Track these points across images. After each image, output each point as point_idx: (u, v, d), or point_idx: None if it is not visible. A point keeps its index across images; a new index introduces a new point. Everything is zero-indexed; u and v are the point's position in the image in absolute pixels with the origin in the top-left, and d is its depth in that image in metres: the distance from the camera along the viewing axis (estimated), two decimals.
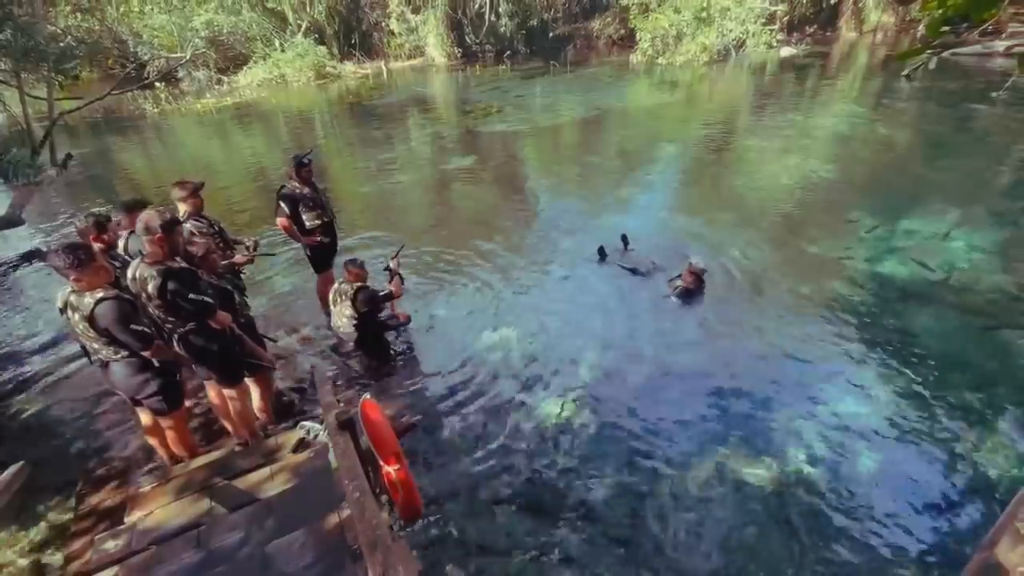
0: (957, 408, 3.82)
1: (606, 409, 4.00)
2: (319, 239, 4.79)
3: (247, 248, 3.99)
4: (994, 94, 11.51)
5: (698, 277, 5.22)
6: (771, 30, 19.66)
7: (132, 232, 3.37)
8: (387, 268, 4.63)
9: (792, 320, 4.91)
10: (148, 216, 2.71)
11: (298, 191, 4.58)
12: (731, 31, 19.13)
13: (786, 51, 19.45)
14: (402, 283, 4.64)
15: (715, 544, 3.00)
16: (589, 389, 4.20)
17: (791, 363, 4.38)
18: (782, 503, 3.22)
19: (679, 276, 5.32)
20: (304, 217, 4.65)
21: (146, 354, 2.83)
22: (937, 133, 10.02)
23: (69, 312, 2.73)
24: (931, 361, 4.28)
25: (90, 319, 2.64)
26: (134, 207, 3.41)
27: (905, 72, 13.09)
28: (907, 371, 4.19)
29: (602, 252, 5.98)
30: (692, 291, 5.20)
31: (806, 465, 3.46)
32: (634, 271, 5.67)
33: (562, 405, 4.04)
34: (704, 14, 18.90)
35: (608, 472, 3.48)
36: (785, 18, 21.05)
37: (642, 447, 3.66)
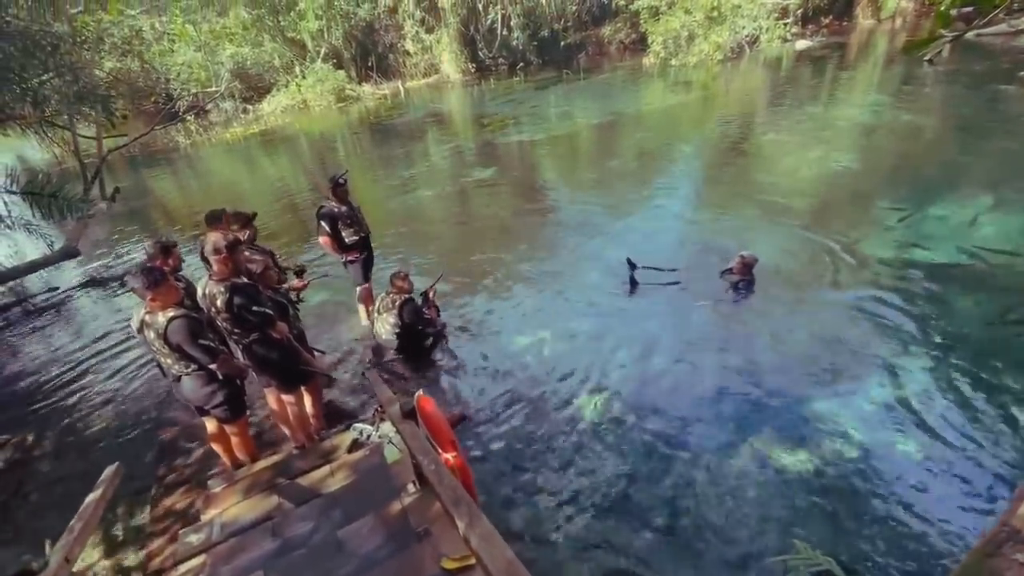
0: (997, 392, 3.80)
1: (640, 403, 4.11)
2: (358, 254, 5.07)
3: (295, 273, 4.28)
4: (1022, 73, 11.24)
5: (749, 267, 5.31)
6: (784, 24, 19.53)
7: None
8: (424, 294, 4.92)
9: (823, 310, 4.94)
10: (214, 238, 3.00)
11: (336, 209, 4.86)
12: (743, 28, 19.07)
13: (801, 44, 19.26)
14: (438, 314, 4.98)
15: (755, 528, 3.07)
16: (623, 385, 4.32)
17: (825, 352, 4.41)
18: (822, 489, 3.26)
19: (729, 269, 5.42)
20: (343, 233, 4.93)
21: (213, 366, 3.10)
22: (964, 116, 9.84)
23: (145, 331, 3.01)
24: (968, 346, 4.26)
25: (164, 336, 2.91)
26: (215, 220, 3.81)
27: (927, 57, 12.87)
28: (944, 357, 4.18)
29: (633, 282, 5.72)
30: (749, 281, 5.32)
31: (844, 451, 3.50)
32: (676, 283, 5.61)
33: (597, 401, 4.17)
34: (715, 13, 18.91)
35: (646, 462, 3.59)
36: (799, 11, 20.86)
37: (679, 438, 3.76)
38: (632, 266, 5.74)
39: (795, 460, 3.46)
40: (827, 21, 22.25)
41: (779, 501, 3.22)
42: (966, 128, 9.15)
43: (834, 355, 4.37)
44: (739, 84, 16.43)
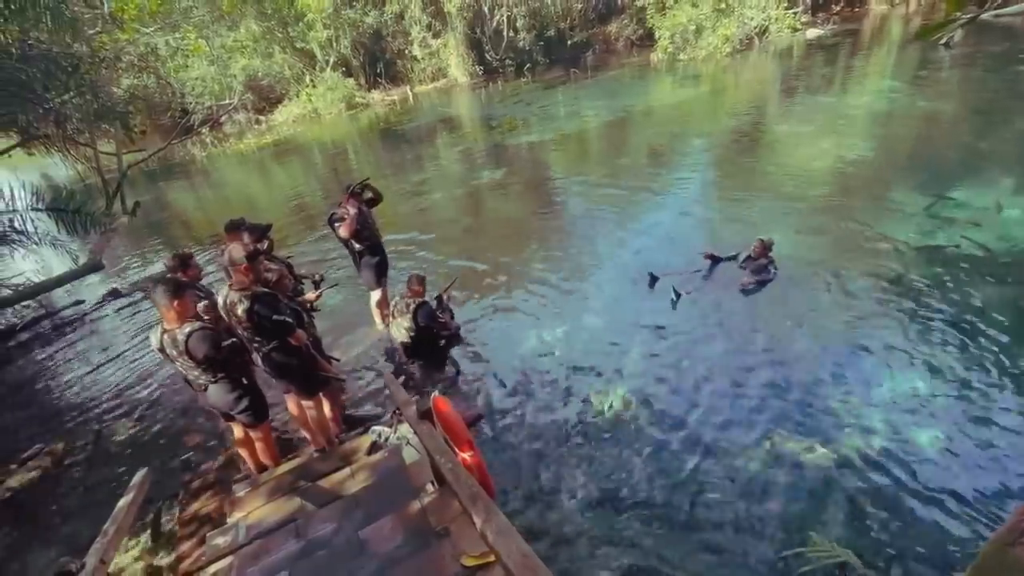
0: (1020, 381, 3.71)
1: (656, 401, 4.11)
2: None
3: (314, 283, 4.36)
4: None
5: (767, 249, 5.34)
6: (794, 13, 19.27)
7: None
8: (438, 297, 4.97)
9: (843, 301, 4.87)
10: (233, 249, 3.08)
11: (346, 217, 4.94)
12: (752, 19, 18.86)
13: (812, 33, 18.98)
14: (453, 316, 5.02)
15: (774, 522, 3.05)
16: (638, 383, 4.31)
17: (845, 344, 4.36)
18: (843, 483, 3.23)
19: (749, 256, 5.42)
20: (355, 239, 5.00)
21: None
22: (982, 100, 9.61)
23: (167, 348, 3.08)
24: (991, 335, 4.17)
25: (186, 350, 2.98)
26: (233, 228, 3.89)
27: (943, 40, 12.58)
28: (966, 346, 4.10)
29: (677, 294, 5.36)
30: (771, 263, 5.35)
31: (866, 444, 3.46)
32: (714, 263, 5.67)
33: (612, 399, 4.17)
34: (723, 5, 18.73)
35: (663, 460, 3.58)
36: None
37: (696, 435, 3.74)
38: (654, 279, 5.65)
39: (814, 452, 3.43)
40: (838, 8, 21.87)
41: (798, 494, 3.19)
42: (985, 111, 8.94)
43: (854, 345, 4.32)
44: (750, 76, 16.25)
